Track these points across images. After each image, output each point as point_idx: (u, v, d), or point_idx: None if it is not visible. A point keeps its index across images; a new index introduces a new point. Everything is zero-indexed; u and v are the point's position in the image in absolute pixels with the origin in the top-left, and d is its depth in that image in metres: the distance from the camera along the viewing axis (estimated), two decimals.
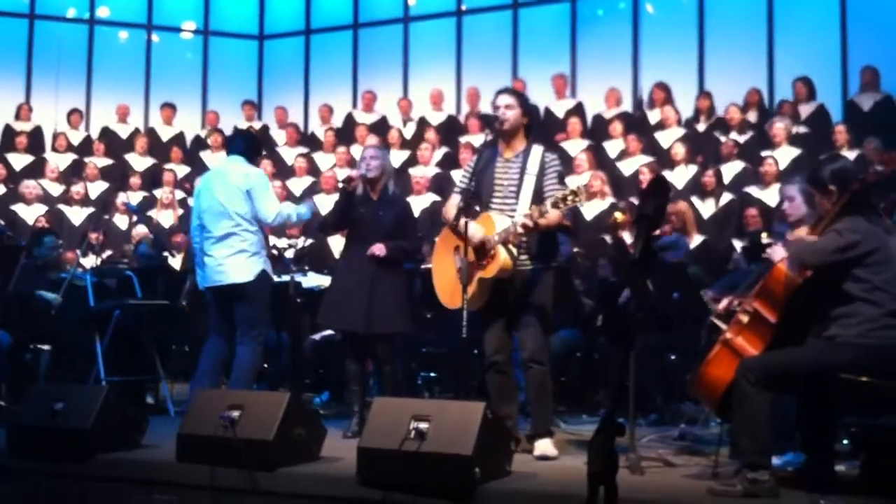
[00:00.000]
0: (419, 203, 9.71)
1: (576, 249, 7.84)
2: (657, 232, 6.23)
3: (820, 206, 4.33)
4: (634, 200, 8.44)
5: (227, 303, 5.93)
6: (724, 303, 4.71)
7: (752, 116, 10.05)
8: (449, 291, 5.09)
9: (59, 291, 7.13)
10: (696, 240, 7.81)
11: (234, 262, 5.85)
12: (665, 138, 9.93)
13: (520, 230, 4.78)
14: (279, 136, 12.14)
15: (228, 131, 12.32)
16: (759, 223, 7.77)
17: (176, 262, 9.40)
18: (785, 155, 8.85)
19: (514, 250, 4.91)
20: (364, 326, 5.78)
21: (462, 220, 4.86)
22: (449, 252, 5.14)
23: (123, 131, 12.45)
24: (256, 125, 12.45)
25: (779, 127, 9.01)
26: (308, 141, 12.12)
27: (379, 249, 5.81)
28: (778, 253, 4.28)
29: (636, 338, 4.97)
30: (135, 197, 10.74)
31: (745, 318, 4.29)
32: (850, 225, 4.09)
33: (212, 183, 6.02)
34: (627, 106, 11.20)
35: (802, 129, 9.44)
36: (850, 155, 8.22)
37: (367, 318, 5.77)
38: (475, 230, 4.92)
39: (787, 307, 4.18)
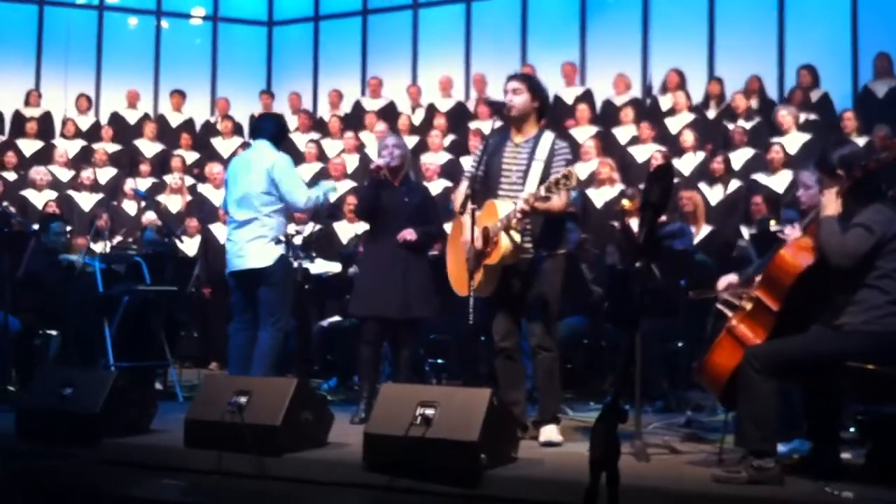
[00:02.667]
0: (430, 189, 9.69)
1: (584, 236, 7.83)
2: (663, 219, 6.21)
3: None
4: (642, 187, 8.41)
5: (250, 288, 5.92)
6: (722, 283, 4.68)
7: (752, 104, 10.00)
8: (459, 278, 5.10)
9: (71, 273, 7.16)
10: (704, 229, 7.80)
11: (253, 247, 5.85)
12: (674, 124, 9.90)
13: (518, 215, 4.77)
14: (292, 121, 12.09)
15: (238, 118, 12.33)
16: (763, 210, 7.75)
17: (186, 247, 9.42)
18: (794, 141, 8.82)
19: (518, 236, 4.89)
20: (400, 311, 5.83)
21: (469, 207, 4.86)
22: (460, 239, 5.14)
23: (132, 117, 12.45)
24: None
25: (783, 114, 8.98)
26: (317, 127, 12.12)
27: (410, 234, 5.86)
28: (795, 234, 4.27)
29: (641, 323, 4.96)
30: (143, 183, 10.76)
31: (748, 306, 4.29)
32: (877, 216, 4.05)
33: (238, 169, 6.03)
34: (637, 92, 11.16)
35: (812, 116, 9.40)
36: (860, 142, 8.19)
37: (403, 303, 5.83)
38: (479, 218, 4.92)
39: (792, 294, 4.17)
